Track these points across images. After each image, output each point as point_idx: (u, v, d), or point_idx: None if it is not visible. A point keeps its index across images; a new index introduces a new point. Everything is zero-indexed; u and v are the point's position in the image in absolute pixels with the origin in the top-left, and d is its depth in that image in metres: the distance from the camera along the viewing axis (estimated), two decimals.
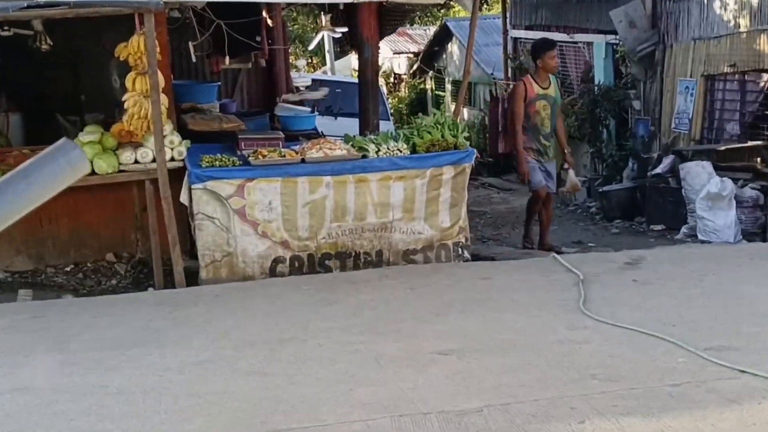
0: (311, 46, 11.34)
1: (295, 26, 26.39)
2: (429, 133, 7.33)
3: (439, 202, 7.30)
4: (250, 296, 6.30)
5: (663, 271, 6.45)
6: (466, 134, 7.55)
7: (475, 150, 7.45)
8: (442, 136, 7.32)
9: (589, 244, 9.64)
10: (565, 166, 8.62)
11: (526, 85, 8.39)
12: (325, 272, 7.07)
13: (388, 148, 7.17)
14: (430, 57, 22.63)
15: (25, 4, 6.10)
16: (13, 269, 7.43)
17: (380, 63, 24.24)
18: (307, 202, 7.01)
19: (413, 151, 7.28)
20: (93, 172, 6.97)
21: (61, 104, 10.06)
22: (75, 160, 1.89)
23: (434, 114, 7.64)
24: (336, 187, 7.03)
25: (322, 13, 9.53)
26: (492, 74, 18.32)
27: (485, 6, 27.11)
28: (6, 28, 7.72)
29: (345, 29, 8.80)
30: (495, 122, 15.65)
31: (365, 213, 7.14)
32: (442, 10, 22.76)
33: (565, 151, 8.55)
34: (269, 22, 10.00)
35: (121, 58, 6.92)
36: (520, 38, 16.41)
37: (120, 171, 7.04)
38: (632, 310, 5.46)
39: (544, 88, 8.35)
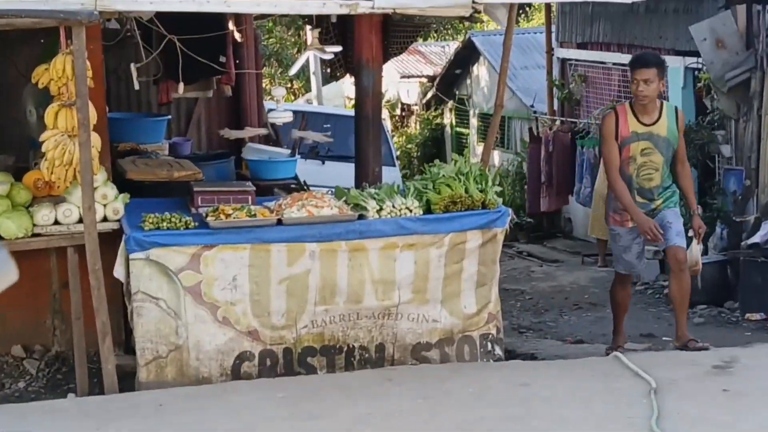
0: (293, 71, 11.47)
1: (271, 40, 26.77)
2: (448, 186, 7.35)
3: (462, 280, 7.29)
4: (206, 407, 6.24)
5: (765, 379, 6.40)
6: (497, 188, 7.58)
7: (509, 209, 7.47)
8: (466, 191, 7.34)
9: (664, 339, 9.58)
10: (689, 233, 7.72)
11: (618, 117, 7.54)
12: (307, 373, 7.02)
13: (393, 206, 7.19)
14: (449, 82, 22.84)
15: None
16: None
17: (384, 90, 24.52)
18: (284, 278, 7.00)
19: (427, 210, 7.28)
20: None
21: None
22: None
23: (455, 160, 7.69)
24: (323, 257, 7.02)
25: (308, 27, 9.66)
26: (532, 106, 18.47)
27: (523, 17, 27.64)
28: None
29: (338, 48, 8.91)
30: (536, 170, 15.97)
31: (362, 293, 7.12)
32: (465, 23, 23.14)
33: (693, 213, 7.71)
34: (237, 36, 10.15)
35: (40, 85, 6.99)
36: (570, 59, 16.59)
37: (34, 235, 7.04)
38: (722, 431, 5.40)
39: (645, 124, 7.56)
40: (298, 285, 7.02)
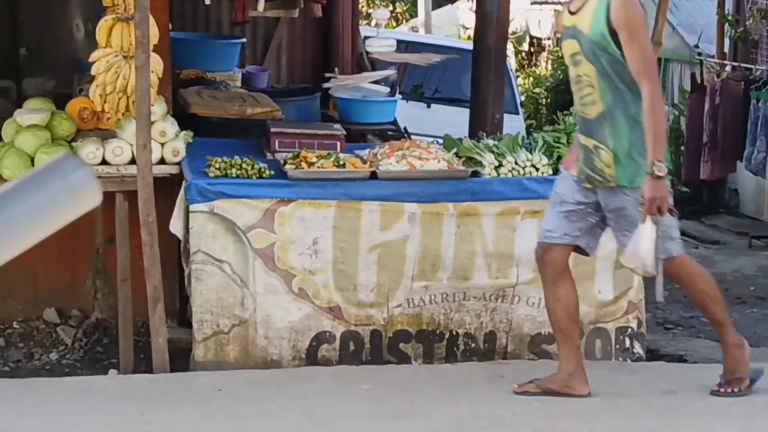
0: None
1: None
2: None
3: (598, 258, 7.22)
4: (272, 396, 6.34)
5: None
6: None
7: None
8: None
9: None
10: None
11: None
12: (398, 363, 7.08)
13: (515, 163, 7.20)
14: None
15: None
16: None
17: (510, 18, 24.40)
18: (375, 245, 7.07)
19: (558, 170, 7.27)
20: None
21: None
22: (78, 186, 2.00)
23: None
24: (425, 222, 7.07)
25: None
26: (697, 47, 18.21)
27: None
28: None
29: None
30: (698, 128, 15.76)
31: (471, 269, 7.15)
32: None
33: (647, 171, 5.91)
34: None
35: None
36: None
37: None
38: None
39: (571, 12, 6.24)
40: (393, 254, 7.07)
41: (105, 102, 6.99)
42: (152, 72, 6.85)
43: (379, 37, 8.91)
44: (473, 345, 7.23)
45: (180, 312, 7.66)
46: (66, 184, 2.00)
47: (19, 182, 1.96)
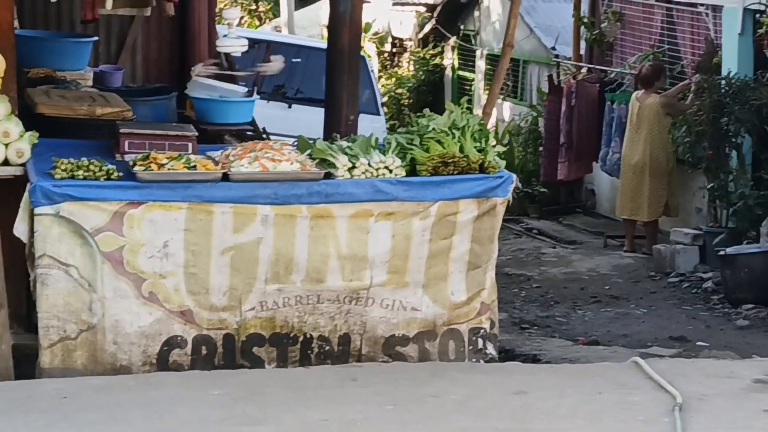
0: None
1: None
2: (439, 142, 7.33)
3: (450, 260, 7.28)
4: (120, 403, 6.21)
5: None
6: (500, 147, 7.54)
7: (513, 175, 7.45)
8: (461, 150, 7.32)
9: (698, 344, 9.63)
10: None
11: None
12: (251, 367, 7.02)
13: (369, 164, 7.17)
14: (453, 14, 22.74)
15: None
16: None
17: (370, 20, 24.18)
18: (228, 248, 6.98)
19: (412, 171, 7.25)
20: None
21: None
22: None
23: (450, 110, 7.64)
24: (279, 224, 7.00)
25: None
26: (554, 49, 18.44)
27: None
28: None
29: None
30: (555, 129, 15.94)
31: (325, 271, 7.11)
32: None
33: None
34: None
35: None
36: None
37: None
38: None
39: None
40: (246, 257, 7.00)
41: None
42: None
43: (232, 36, 8.83)
44: (327, 348, 7.19)
45: (26, 317, 7.47)
46: None
47: None
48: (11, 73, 7.22)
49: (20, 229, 6.86)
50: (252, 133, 10.22)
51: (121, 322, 6.87)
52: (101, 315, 6.84)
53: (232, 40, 8.81)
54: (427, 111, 7.88)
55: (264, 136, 10.38)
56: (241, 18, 24.74)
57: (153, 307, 6.91)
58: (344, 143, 7.45)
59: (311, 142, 7.52)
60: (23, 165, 7.10)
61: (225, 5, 23.74)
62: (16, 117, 7.23)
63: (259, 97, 10.52)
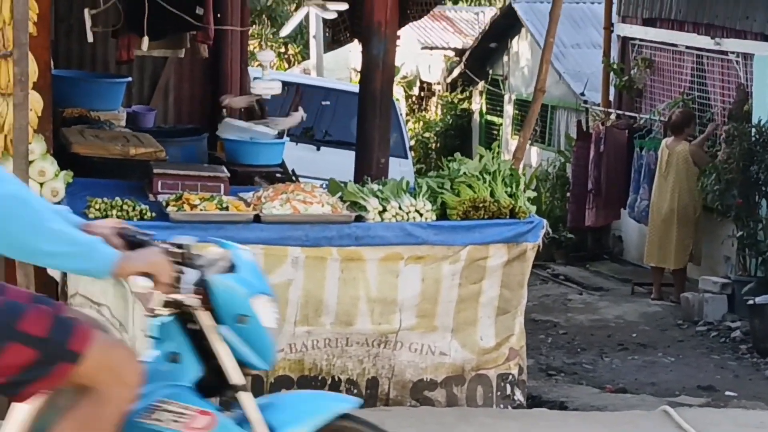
0: (286, 30, 11.46)
1: None
2: (470, 187, 7.34)
3: (480, 305, 7.28)
4: None
5: None
6: (531, 193, 7.55)
7: (544, 221, 7.46)
8: (492, 194, 7.33)
9: (727, 393, 9.55)
10: None
11: None
12: None
13: (399, 208, 7.18)
14: (482, 59, 22.78)
15: None
16: None
17: (399, 63, 24.30)
18: None
19: (442, 215, 7.27)
20: None
21: None
22: None
23: (480, 155, 7.67)
24: (309, 266, 7.01)
25: None
26: (583, 94, 18.44)
27: None
28: None
29: (343, 6, 8.88)
30: (583, 174, 15.88)
31: (354, 314, 7.11)
32: None
33: None
34: None
35: None
36: (633, 39, 16.54)
37: None
38: None
39: None
40: (276, 298, 6.99)
41: None
42: (31, 110, 6.73)
43: (265, 78, 8.87)
44: (355, 391, 7.17)
45: None
46: None
47: None
48: (47, 113, 7.24)
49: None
50: (282, 175, 10.26)
51: None
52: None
53: (266, 83, 8.85)
54: (458, 155, 7.90)
55: (293, 178, 10.43)
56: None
57: None
58: (375, 186, 7.47)
59: (342, 184, 7.54)
60: (58, 204, 7.12)
61: (255, 47, 23.92)
62: (51, 156, 7.28)
63: (288, 139, 10.58)
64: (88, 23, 8.05)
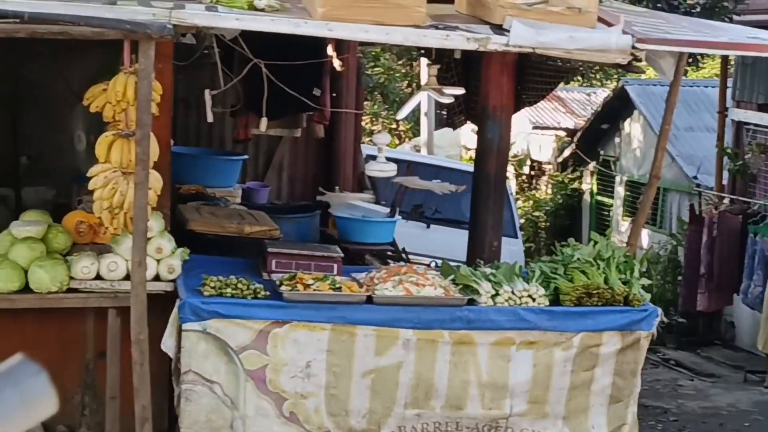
0: (402, 114, 11.52)
1: (376, 69, 27.03)
2: (584, 273, 7.32)
3: (592, 393, 7.22)
4: None
5: None
6: (646, 280, 7.49)
7: (659, 309, 7.39)
8: (606, 281, 7.30)
9: None
10: None
11: None
12: None
13: (512, 292, 7.18)
14: (593, 139, 22.76)
15: None
16: None
17: (511, 142, 24.52)
18: (369, 371, 7.01)
19: (555, 301, 7.24)
20: (27, 288, 7.12)
21: None
22: (34, 394, 1.89)
23: (595, 241, 7.64)
24: (420, 349, 7.02)
25: (422, 59, 9.69)
26: (695, 178, 18.31)
27: (692, 65, 27.38)
28: None
29: (460, 91, 8.94)
30: (695, 259, 15.72)
31: (464, 398, 7.09)
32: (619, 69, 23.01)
33: None
34: (336, 65, 10.25)
35: (93, 108, 7.14)
36: (748, 124, 16.41)
37: (70, 290, 7.17)
38: None
39: None
40: (386, 380, 7.01)
41: (102, 217, 6.95)
42: (151, 189, 6.84)
43: (380, 161, 8.94)
44: None
45: (169, 430, 7.56)
46: (20, 391, 1.87)
47: None
48: (166, 191, 7.37)
49: (168, 345, 6.97)
50: (392, 253, 10.31)
51: None
52: None
53: (381, 164, 8.90)
54: (571, 240, 7.88)
55: (404, 257, 10.46)
56: None
57: (293, 427, 6.94)
58: (488, 270, 7.47)
59: (455, 267, 7.55)
60: (173, 281, 7.24)
61: (366, 123, 24.11)
62: (168, 233, 7.40)
63: (400, 217, 10.64)
64: (209, 104, 8.18)
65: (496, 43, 6.92)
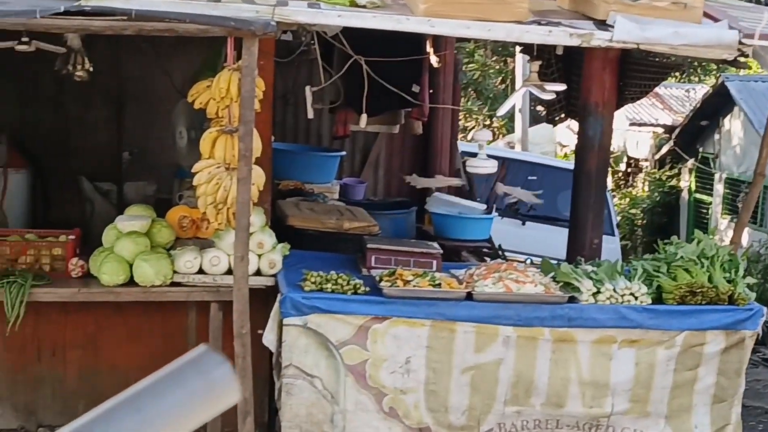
0: (502, 111, 11.49)
1: (470, 66, 26.99)
2: (687, 271, 7.26)
3: (695, 392, 7.17)
4: None
5: None
6: (751, 279, 7.42)
7: (765, 308, 7.31)
8: (710, 280, 7.23)
9: None
10: None
11: None
12: None
13: (614, 290, 7.14)
14: (691, 136, 22.51)
15: (62, 8, 6.49)
16: None
17: None
18: (468, 367, 7.02)
19: (657, 299, 7.20)
20: (131, 281, 7.25)
21: (91, 163, 10.57)
22: (218, 384, 1.97)
23: (698, 239, 7.57)
24: (520, 346, 7.02)
25: (518, 56, 9.65)
26: None
27: None
28: (26, 39, 8.25)
29: (561, 87, 8.90)
30: None
31: (565, 396, 7.08)
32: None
33: None
34: (433, 62, 10.28)
35: (197, 104, 7.24)
36: None
37: (173, 284, 7.30)
38: None
39: None
40: (486, 377, 7.02)
41: (207, 212, 7.04)
42: (254, 184, 6.91)
43: (480, 158, 8.93)
44: None
45: (269, 424, 7.65)
46: (205, 381, 1.95)
47: (157, 378, 1.93)
48: (267, 187, 7.45)
49: (269, 339, 7.04)
50: (489, 250, 10.30)
51: None
52: (342, 428, 6.93)
53: (482, 161, 8.90)
54: (674, 238, 7.82)
55: (501, 254, 10.45)
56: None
57: (392, 423, 6.97)
58: (589, 267, 7.44)
59: (555, 265, 7.53)
60: (274, 276, 7.31)
61: (460, 120, 24.09)
62: (269, 228, 7.47)
63: (497, 214, 10.63)
64: (309, 100, 8.23)
65: (599, 38, 6.90)
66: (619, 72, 8.26)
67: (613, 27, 6.83)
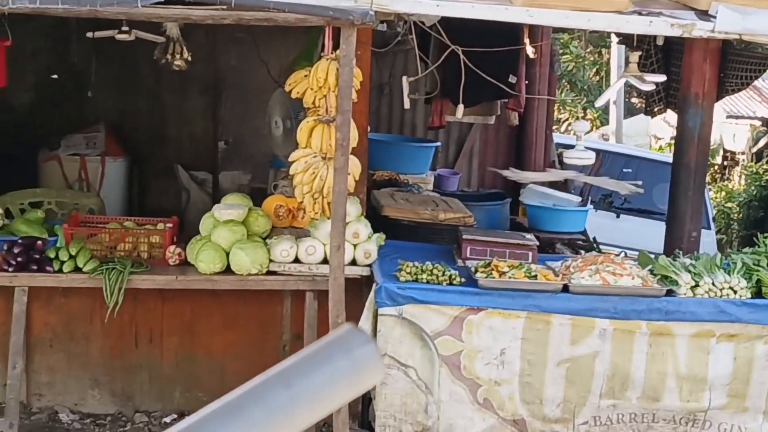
0: (601, 101, 11.41)
1: (565, 57, 26.84)
2: None
3: None
4: None
5: None
6: None
7: None
8: None
9: None
10: None
11: None
12: None
13: (713, 284, 7.08)
14: None
15: None
16: (85, 410, 7.85)
17: None
18: (564, 359, 7.01)
19: (757, 293, 7.12)
20: (228, 269, 7.33)
21: (187, 152, 10.71)
22: (363, 362, 2.01)
23: None
24: (616, 338, 6.99)
25: (614, 46, 9.58)
26: None
27: None
28: (126, 28, 8.38)
29: (662, 78, 8.82)
30: None
31: (662, 390, 7.04)
32: None
33: None
34: (530, 52, 10.24)
35: (295, 94, 7.29)
36: None
37: (269, 272, 7.36)
38: None
39: None
40: (582, 370, 7.00)
41: (304, 201, 7.10)
42: (350, 174, 6.96)
43: (578, 149, 8.89)
44: None
45: (362, 414, 7.68)
46: (351, 359, 1.99)
47: (304, 355, 1.98)
48: (363, 177, 7.49)
49: (364, 328, 7.06)
50: (583, 242, 10.25)
51: (455, 427, 6.97)
52: (436, 418, 6.96)
53: (580, 152, 8.85)
54: None
55: (596, 246, 10.40)
56: (568, 124, 24.87)
57: (487, 414, 6.98)
58: (687, 261, 7.38)
59: (653, 257, 7.48)
60: (369, 266, 7.35)
61: (560, 110, 23.98)
62: (365, 219, 7.51)
63: (591, 206, 10.57)
64: (406, 90, 8.23)
65: (701, 29, 6.84)
66: (720, 63, 8.18)
67: (715, 17, 6.76)
